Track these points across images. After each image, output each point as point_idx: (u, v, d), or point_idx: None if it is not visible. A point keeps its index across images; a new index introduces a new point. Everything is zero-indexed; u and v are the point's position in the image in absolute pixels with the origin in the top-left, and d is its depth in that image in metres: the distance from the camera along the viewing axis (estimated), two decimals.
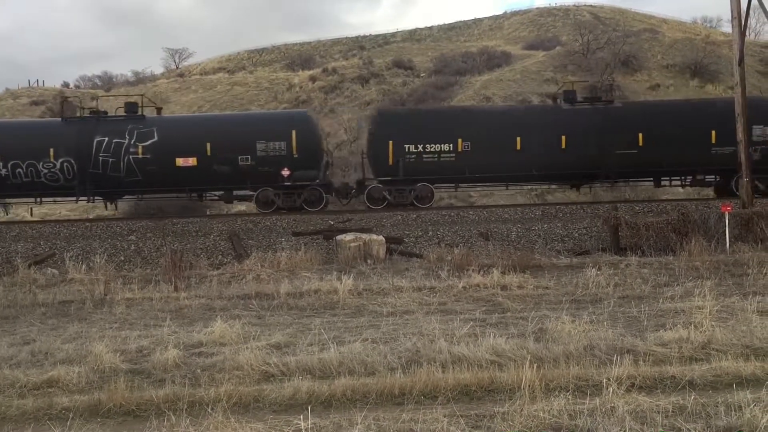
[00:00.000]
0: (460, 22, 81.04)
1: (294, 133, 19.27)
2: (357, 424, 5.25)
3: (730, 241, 15.62)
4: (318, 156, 19.76)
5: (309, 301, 11.39)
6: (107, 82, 68.50)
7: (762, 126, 19.51)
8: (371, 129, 20.74)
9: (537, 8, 78.29)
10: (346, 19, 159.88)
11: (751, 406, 5.27)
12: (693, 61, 45.22)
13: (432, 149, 19.41)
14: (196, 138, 19.29)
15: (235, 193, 20.12)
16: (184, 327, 9.52)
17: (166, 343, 8.19)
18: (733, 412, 5.30)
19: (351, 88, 48.70)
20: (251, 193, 19.59)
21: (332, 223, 17.78)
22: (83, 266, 15.21)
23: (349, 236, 16.21)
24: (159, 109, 21.15)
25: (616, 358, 6.70)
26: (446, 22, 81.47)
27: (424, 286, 12.13)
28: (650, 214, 17.62)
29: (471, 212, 18.54)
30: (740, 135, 17.79)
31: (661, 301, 10.30)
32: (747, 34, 19.52)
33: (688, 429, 5.04)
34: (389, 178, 19.58)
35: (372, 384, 6.41)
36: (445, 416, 5.40)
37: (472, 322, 8.88)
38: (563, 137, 19.46)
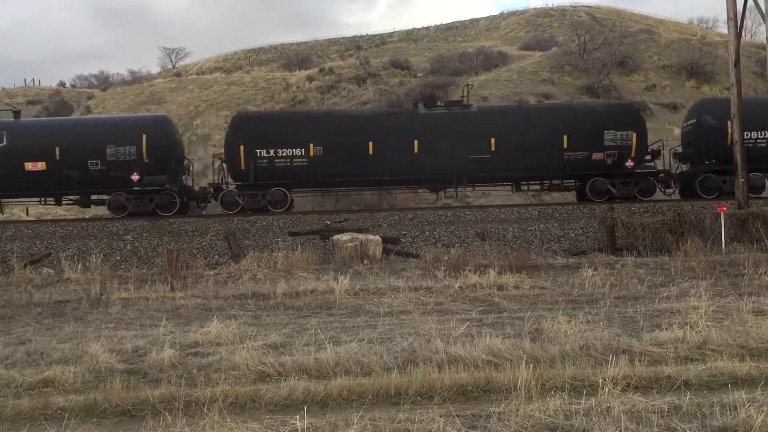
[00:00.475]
0: (457, 22, 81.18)
1: (144, 137, 19.22)
2: (353, 424, 5.25)
3: (725, 241, 15.67)
4: (170, 160, 19.59)
5: (305, 301, 11.39)
6: (104, 82, 68.36)
7: (613, 131, 19.53)
8: (227, 133, 20.62)
9: (534, 9, 78.44)
10: (343, 19, 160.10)
11: (747, 406, 5.29)
12: (689, 61, 45.33)
13: (284, 154, 19.33)
14: (45, 142, 19.17)
15: (92, 197, 20.06)
16: (181, 327, 9.51)
17: (162, 343, 8.18)
18: (728, 412, 5.31)
19: (348, 88, 48.70)
20: (107, 197, 19.50)
21: (329, 223, 17.78)
22: (79, 266, 15.20)
23: (345, 236, 16.21)
24: (16, 113, 20.88)
25: (612, 358, 6.71)
26: (443, 23, 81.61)
27: (420, 287, 12.14)
28: (646, 214, 17.68)
29: (468, 212, 18.56)
30: (736, 136, 17.86)
31: (657, 301, 10.32)
32: (743, 35, 19.56)
33: (683, 429, 5.05)
34: (241, 183, 19.59)
35: (368, 384, 6.41)
36: (441, 416, 5.40)
37: (468, 322, 8.89)
38: (416, 142, 19.31)
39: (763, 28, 19.33)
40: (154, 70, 75.07)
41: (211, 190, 20.29)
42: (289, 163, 19.34)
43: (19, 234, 17.60)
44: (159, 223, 17.95)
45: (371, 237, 16.33)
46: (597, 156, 19.55)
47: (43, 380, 6.99)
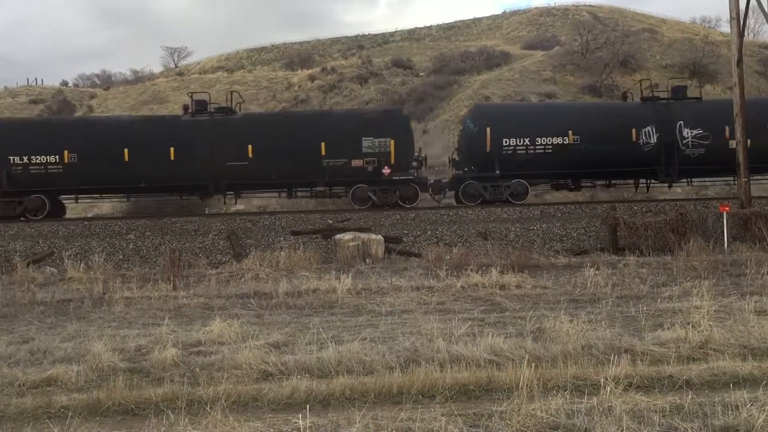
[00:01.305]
0: (459, 21, 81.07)
1: None
2: (355, 423, 5.26)
3: (728, 241, 15.65)
4: None
5: (307, 300, 11.40)
6: (106, 81, 68.39)
7: (371, 138, 19.49)
8: None
9: (536, 8, 78.39)
10: (343, 18, 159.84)
11: (748, 406, 5.29)
12: (692, 61, 45.31)
13: (38, 161, 19.25)
14: None
15: None
16: (183, 326, 9.52)
17: (165, 342, 8.20)
18: (730, 412, 5.31)
19: (350, 87, 48.73)
20: None
21: (331, 222, 17.80)
22: (82, 265, 15.22)
23: (347, 235, 16.22)
24: None
25: (614, 358, 6.72)
26: (445, 22, 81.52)
27: (422, 286, 12.15)
28: (649, 213, 17.66)
29: (470, 211, 18.56)
30: (738, 136, 17.82)
31: (659, 300, 10.32)
32: (746, 34, 19.54)
33: (685, 428, 5.05)
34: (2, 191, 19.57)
35: (370, 383, 6.42)
36: (443, 415, 5.41)
37: (470, 322, 8.90)
38: (172, 149, 19.30)
39: (765, 27, 19.30)
40: (157, 69, 75.09)
41: None
42: (44, 170, 19.35)
43: (22, 233, 17.64)
44: (161, 223, 17.98)
45: (373, 236, 16.34)
46: (356, 163, 19.55)
47: (46, 379, 7.01)
